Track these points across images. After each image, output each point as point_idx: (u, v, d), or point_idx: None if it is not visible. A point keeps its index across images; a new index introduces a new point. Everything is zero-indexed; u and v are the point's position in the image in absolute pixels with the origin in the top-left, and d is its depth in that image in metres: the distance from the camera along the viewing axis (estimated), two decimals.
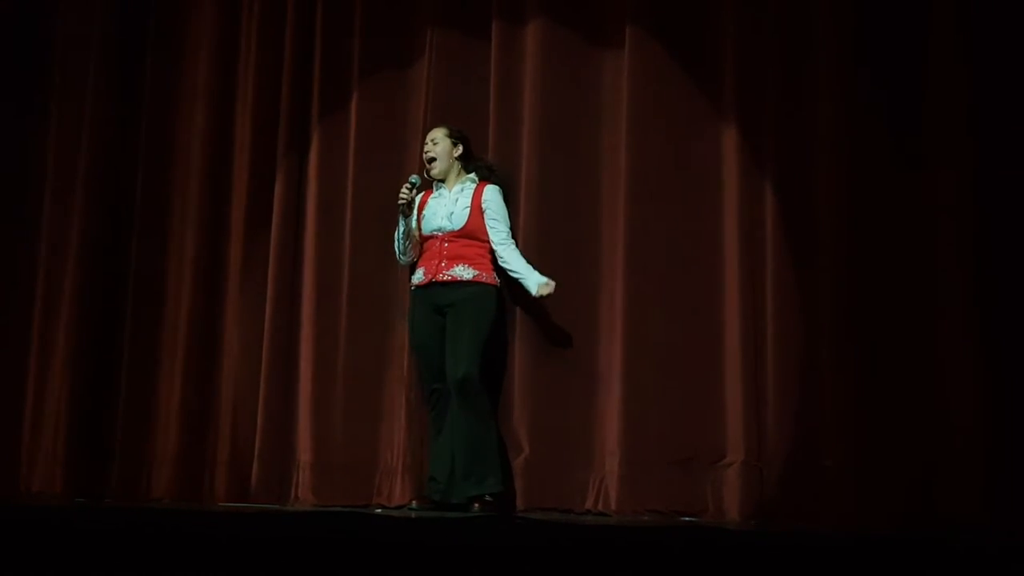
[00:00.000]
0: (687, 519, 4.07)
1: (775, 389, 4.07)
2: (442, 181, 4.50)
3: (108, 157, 5.24)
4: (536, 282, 4.24)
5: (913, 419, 3.88)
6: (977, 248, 3.86)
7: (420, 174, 4.52)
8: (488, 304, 4.32)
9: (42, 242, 5.30)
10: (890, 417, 3.90)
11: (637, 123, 4.38)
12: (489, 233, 4.36)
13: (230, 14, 5.21)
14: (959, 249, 3.89)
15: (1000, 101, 3.89)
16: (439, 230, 4.40)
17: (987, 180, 3.87)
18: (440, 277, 4.34)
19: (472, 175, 4.49)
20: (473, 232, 4.36)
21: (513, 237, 4.40)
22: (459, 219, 4.37)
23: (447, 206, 4.42)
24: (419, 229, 4.46)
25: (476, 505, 4.17)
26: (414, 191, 4.44)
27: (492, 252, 4.38)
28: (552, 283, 4.22)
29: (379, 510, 4.43)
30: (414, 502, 4.43)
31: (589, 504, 4.26)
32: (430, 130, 4.55)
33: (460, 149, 4.49)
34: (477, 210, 4.38)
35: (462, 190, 4.44)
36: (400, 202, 4.40)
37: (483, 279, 4.34)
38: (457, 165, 4.50)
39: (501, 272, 4.38)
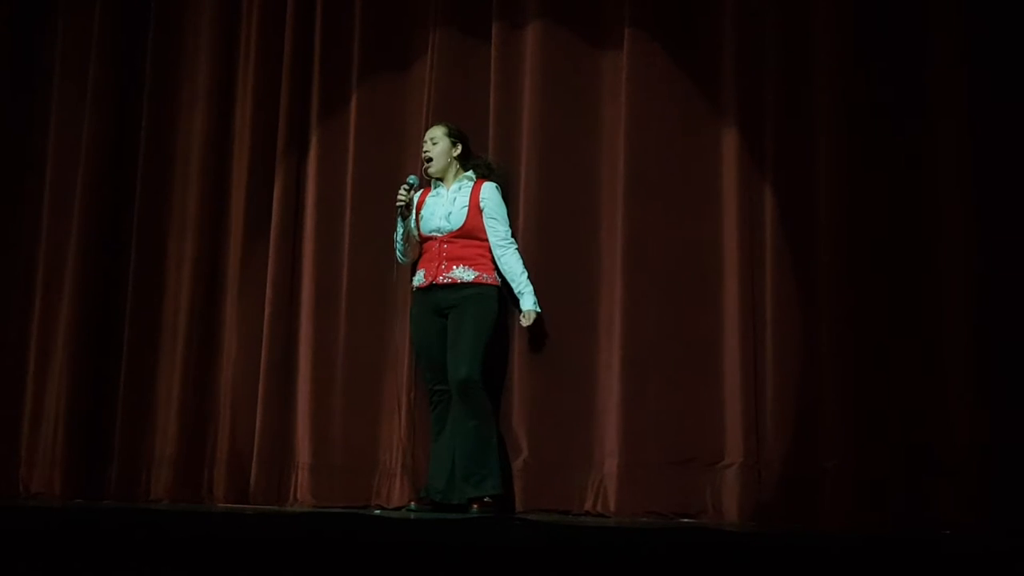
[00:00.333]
0: (686, 520, 4.06)
1: (774, 390, 4.06)
2: (440, 180, 4.50)
3: (108, 157, 5.25)
4: (527, 307, 4.25)
5: (913, 420, 3.87)
6: (977, 248, 3.86)
7: (419, 174, 4.52)
8: (489, 305, 4.31)
9: (42, 242, 5.31)
10: (890, 418, 3.89)
11: (636, 123, 4.37)
12: (488, 232, 4.35)
13: (230, 14, 5.22)
14: (959, 249, 3.88)
15: (1000, 101, 3.89)
16: (438, 231, 4.39)
17: (987, 180, 3.87)
18: (440, 280, 4.33)
19: (470, 173, 4.48)
20: (472, 232, 4.35)
21: (513, 237, 4.39)
22: (457, 219, 4.36)
23: (445, 206, 4.41)
24: (418, 229, 4.45)
25: (475, 506, 4.15)
26: (412, 192, 4.43)
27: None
28: (535, 315, 4.24)
29: (378, 511, 4.42)
30: (413, 503, 4.41)
31: (588, 505, 4.24)
32: (429, 128, 4.55)
33: (459, 148, 4.48)
34: (475, 209, 4.36)
35: (460, 189, 4.43)
36: (398, 203, 4.39)
37: (484, 280, 4.32)
38: (455, 164, 4.48)
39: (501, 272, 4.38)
